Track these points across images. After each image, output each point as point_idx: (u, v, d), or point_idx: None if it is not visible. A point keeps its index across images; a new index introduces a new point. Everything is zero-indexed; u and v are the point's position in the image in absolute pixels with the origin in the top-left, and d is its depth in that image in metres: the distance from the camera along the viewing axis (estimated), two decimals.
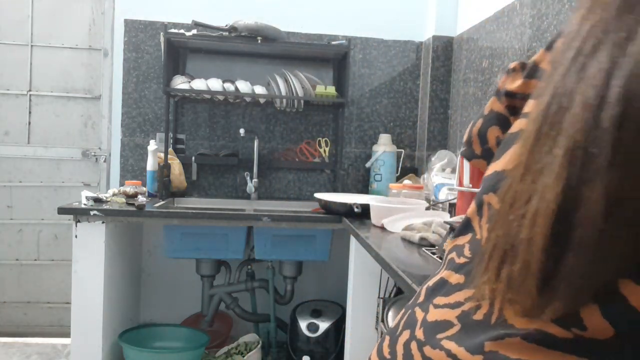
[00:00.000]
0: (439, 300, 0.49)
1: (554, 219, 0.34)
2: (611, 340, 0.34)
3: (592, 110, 0.34)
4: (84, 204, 2.12)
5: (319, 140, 2.87)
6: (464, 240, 0.52)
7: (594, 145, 0.33)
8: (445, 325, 0.46)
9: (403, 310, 0.55)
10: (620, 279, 0.34)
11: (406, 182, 2.50)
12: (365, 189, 2.88)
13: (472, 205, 0.53)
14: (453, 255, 0.53)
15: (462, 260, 0.51)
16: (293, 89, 2.60)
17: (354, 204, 2.09)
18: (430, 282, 0.53)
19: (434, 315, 0.48)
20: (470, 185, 1.25)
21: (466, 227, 0.53)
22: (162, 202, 2.39)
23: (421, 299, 0.52)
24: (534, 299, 0.37)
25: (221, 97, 2.69)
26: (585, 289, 0.34)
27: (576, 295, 0.35)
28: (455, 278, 0.50)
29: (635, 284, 0.33)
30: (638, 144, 0.31)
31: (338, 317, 2.46)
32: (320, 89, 2.62)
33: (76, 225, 2.07)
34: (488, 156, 0.76)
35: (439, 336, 0.45)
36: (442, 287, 0.50)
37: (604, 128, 0.32)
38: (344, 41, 2.61)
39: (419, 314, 0.50)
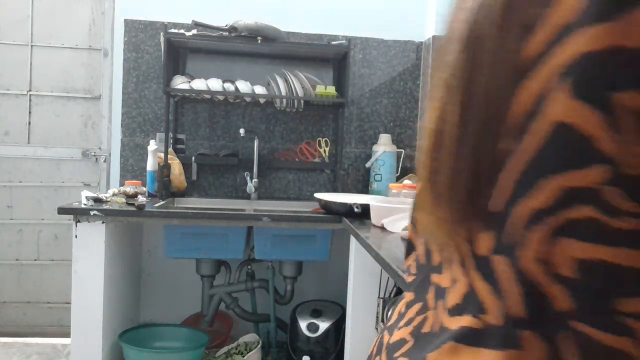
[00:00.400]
0: (402, 322, 0.49)
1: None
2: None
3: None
4: (84, 204, 2.12)
5: (319, 140, 2.87)
6: (410, 260, 0.54)
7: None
8: (401, 343, 0.46)
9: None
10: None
11: (406, 182, 2.50)
12: (365, 189, 2.88)
13: (409, 226, 0.55)
14: (405, 276, 0.54)
15: (410, 278, 0.52)
16: (293, 89, 2.60)
17: (354, 204, 2.09)
18: (401, 304, 0.54)
19: (395, 336, 0.48)
20: None
21: (409, 247, 0.54)
22: (162, 202, 2.39)
23: (391, 322, 0.52)
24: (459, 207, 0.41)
25: (221, 97, 2.69)
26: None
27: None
28: (409, 296, 0.50)
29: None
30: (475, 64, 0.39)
31: (338, 317, 2.46)
32: (320, 89, 2.62)
33: (76, 225, 2.07)
34: None
35: (396, 354, 0.45)
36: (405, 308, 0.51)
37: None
38: (344, 41, 2.61)
39: (386, 337, 0.50)
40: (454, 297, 0.41)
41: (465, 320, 0.39)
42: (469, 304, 0.39)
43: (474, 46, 0.39)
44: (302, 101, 2.69)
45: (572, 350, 0.34)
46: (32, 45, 2.83)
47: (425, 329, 0.44)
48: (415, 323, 0.46)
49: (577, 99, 0.32)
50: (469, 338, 0.38)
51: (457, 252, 0.42)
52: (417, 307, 0.47)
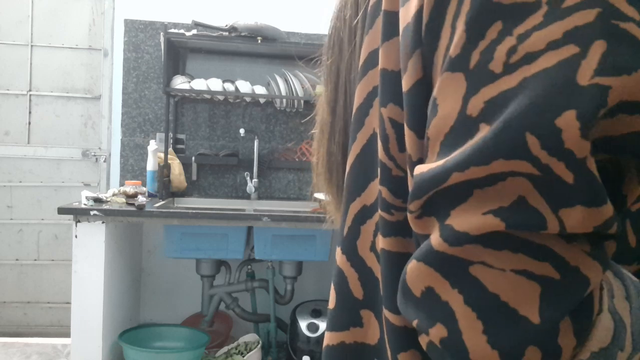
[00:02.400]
0: None
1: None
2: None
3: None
4: (84, 204, 2.12)
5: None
6: None
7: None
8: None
9: None
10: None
11: None
12: None
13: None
14: None
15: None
16: (293, 89, 2.60)
17: None
18: None
19: None
20: None
21: None
22: (162, 202, 2.39)
23: None
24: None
25: (221, 97, 2.69)
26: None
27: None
28: None
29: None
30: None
31: None
32: (320, 89, 2.62)
33: (76, 225, 2.07)
34: None
35: None
36: None
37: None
38: None
39: None
40: None
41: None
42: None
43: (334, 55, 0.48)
44: (302, 101, 2.69)
45: (385, 329, 0.38)
46: (32, 45, 2.83)
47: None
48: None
49: (380, 110, 0.38)
50: (328, 323, 0.45)
51: None
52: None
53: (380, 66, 0.37)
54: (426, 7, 0.32)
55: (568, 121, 0.26)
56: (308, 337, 2.39)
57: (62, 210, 2.05)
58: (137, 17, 2.76)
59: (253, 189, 2.72)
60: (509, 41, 0.29)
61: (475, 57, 0.30)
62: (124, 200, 2.26)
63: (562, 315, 0.27)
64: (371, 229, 0.41)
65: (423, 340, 0.31)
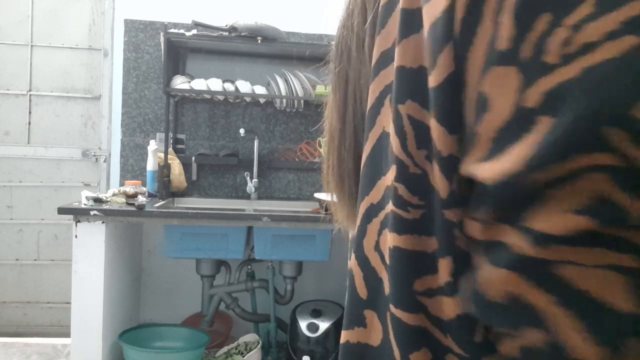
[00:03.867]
0: None
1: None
2: None
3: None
4: (84, 204, 2.12)
5: (319, 140, 2.87)
6: None
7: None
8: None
9: None
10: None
11: None
12: None
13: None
14: None
15: None
16: (293, 89, 2.60)
17: None
18: None
19: None
20: None
21: None
22: (162, 202, 2.39)
23: None
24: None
25: (221, 97, 2.69)
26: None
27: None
28: None
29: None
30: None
31: (338, 317, 2.46)
32: (320, 89, 2.62)
33: (76, 225, 2.07)
34: None
35: None
36: None
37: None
38: None
39: None
40: None
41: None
42: None
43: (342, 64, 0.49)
44: (302, 101, 2.69)
45: (392, 330, 0.38)
46: (32, 45, 2.83)
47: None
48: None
49: (390, 109, 0.38)
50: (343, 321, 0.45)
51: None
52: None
53: (396, 64, 0.37)
54: (461, 2, 0.32)
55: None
56: (308, 337, 2.39)
57: (62, 210, 2.05)
58: (137, 17, 2.76)
59: (253, 189, 2.72)
60: (561, 32, 0.29)
61: (526, 49, 0.29)
62: (124, 200, 2.26)
63: None
64: (376, 228, 0.41)
65: (510, 346, 0.31)
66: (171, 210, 2.20)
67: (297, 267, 2.59)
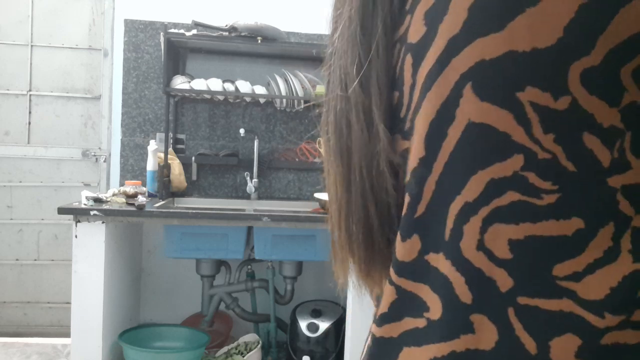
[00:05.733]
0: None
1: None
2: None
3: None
4: (84, 204, 2.12)
5: (319, 140, 2.87)
6: None
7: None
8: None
9: None
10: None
11: None
12: None
13: None
14: None
15: None
16: (293, 89, 2.60)
17: None
18: None
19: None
20: None
21: None
22: (162, 202, 2.39)
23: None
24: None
25: (221, 97, 2.69)
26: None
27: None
28: None
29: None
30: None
31: (338, 317, 2.46)
32: (320, 89, 2.62)
33: (76, 225, 2.07)
34: None
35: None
36: None
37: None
38: None
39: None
40: (381, 309, 0.45)
41: (405, 324, 0.43)
42: (404, 308, 0.43)
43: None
44: (302, 101, 2.69)
45: (521, 323, 0.37)
46: (32, 45, 2.83)
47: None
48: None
49: (485, 101, 0.37)
50: (413, 339, 0.42)
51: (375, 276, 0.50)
52: None
53: (504, 50, 0.36)
54: None
55: None
56: (308, 337, 2.39)
57: (62, 210, 2.05)
58: (137, 17, 2.76)
59: (253, 189, 2.72)
60: None
61: None
62: (124, 200, 2.26)
63: None
64: (477, 226, 0.39)
65: None
66: (171, 210, 2.20)
67: (297, 267, 2.59)
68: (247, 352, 2.42)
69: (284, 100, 2.68)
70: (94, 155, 2.88)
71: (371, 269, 0.49)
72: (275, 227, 2.21)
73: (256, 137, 2.72)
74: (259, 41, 2.51)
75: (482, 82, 0.37)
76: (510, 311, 0.38)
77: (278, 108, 2.77)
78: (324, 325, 2.41)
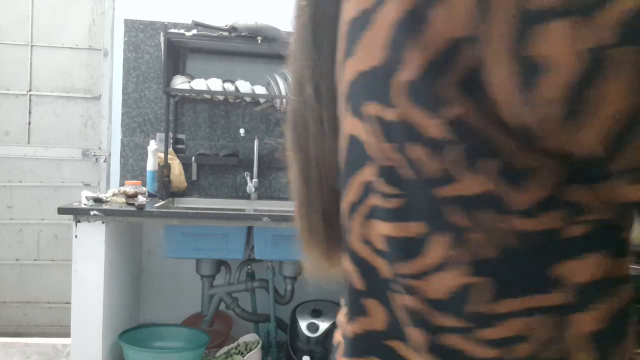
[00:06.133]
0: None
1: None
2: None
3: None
4: (84, 204, 2.12)
5: None
6: None
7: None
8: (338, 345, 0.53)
9: None
10: None
11: None
12: None
13: None
14: None
15: None
16: None
17: None
18: None
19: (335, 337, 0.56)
20: None
21: None
22: (162, 202, 2.39)
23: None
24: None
25: (221, 97, 2.69)
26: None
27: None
28: None
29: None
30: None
31: None
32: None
33: (76, 225, 2.07)
34: None
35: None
36: None
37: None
38: None
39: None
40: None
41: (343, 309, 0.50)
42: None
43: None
44: None
45: (397, 307, 0.42)
46: (32, 45, 2.83)
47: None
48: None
49: (354, 116, 0.42)
50: (339, 322, 0.50)
51: None
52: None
53: (355, 73, 0.41)
54: None
55: None
56: (308, 337, 2.39)
57: (62, 210, 2.05)
58: (137, 17, 2.76)
59: (253, 189, 2.72)
60: None
61: None
62: (124, 200, 2.26)
63: None
64: (359, 222, 0.44)
65: None
66: (171, 210, 2.20)
67: (297, 267, 2.59)
68: (247, 352, 2.42)
69: (284, 100, 2.68)
70: (94, 155, 2.88)
71: (331, 253, 0.53)
72: (275, 227, 2.21)
73: (256, 137, 2.72)
74: (259, 41, 2.51)
75: (350, 99, 0.42)
76: (390, 295, 0.42)
77: (278, 108, 2.77)
78: (324, 325, 2.41)
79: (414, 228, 0.38)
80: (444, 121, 0.35)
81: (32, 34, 2.83)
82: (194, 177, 2.76)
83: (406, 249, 0.39)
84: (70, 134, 2.89)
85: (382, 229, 0.41)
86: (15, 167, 2.86)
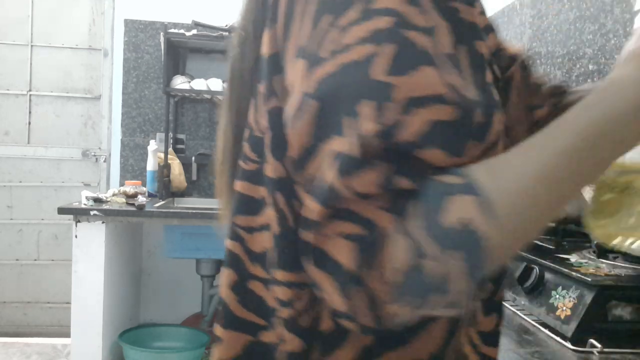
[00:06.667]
0: None
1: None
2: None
3: None
4: (84, 204, 2.12)
5: None
6: None
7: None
8: None
9: None
10: None
11: None
12: None
13: None
14: None
15: None
16: None
17: None
18: None
19: None
20: None
21: None
22: (162, 202, 2.39)
23: None
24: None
25: (221, 97, 2.69)
26: None
27: None
28: None
29: None
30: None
31: None
32: None
33: (76, 225, 2.07)
34: None
35: None
36: None
37: None
38: None
39: None
40: None
41: None
42: None
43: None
44: None
45: (226, 248, 0.50)
46: (32, 45, 2.83)
47: None
48: None
49: (251, 88, 0.49)
50: None
51: None
52: None
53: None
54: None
55: (363, 108, 0.34)
56: None
57: (62, 210, 2.05)
58: (137, 17, 2.76)
59: None
60: (336, 32, 0.37)
61: (313, 44, 0.38)
62: (124, 200, 2.26)
63: None
64: (226, 180, 0.57)
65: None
66: (171, 210, 2.20)
67: None
68: None
69: None
70: (94, 155, 2.88)
71: None
72: None
73: None
74: None
75: (255, 72, 0.49)
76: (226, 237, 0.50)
77: None
78: None
79: (261, 192, 0.46)
80: (266, 109, 0.44)
81: (32, 34, 2.83)
82: (194, 177, 2.76)
83: (248, 206, 0.47)
84: (70, 134, 2.89)
85: (237, 186, 0.49)
86: (15, 167, 2.86)
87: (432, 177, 0.36)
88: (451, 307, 0.36)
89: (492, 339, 0.52)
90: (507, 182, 0.36)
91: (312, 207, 0.35)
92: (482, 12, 0.49)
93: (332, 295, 0.36)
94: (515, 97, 0.67)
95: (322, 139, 0.36)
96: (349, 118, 0.35)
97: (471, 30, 0.42)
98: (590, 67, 1.43)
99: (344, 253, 0.35)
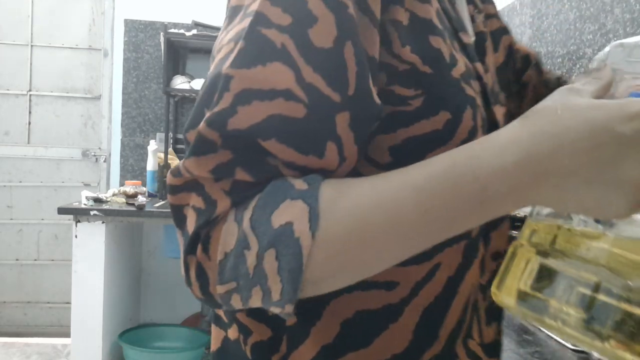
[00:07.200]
0: None
1: None
2: None
3: None
4: (84, 204, 2.12)
5: None
6: None
7: None
8: None
9: None
10: None
11: None
12: None
13: None
14: None
15: None
16: None
17: None
18: None
19: None
20: None
21: None
22: (162, 202, 2.39)
23: None
24: None
25: None
26: None
27: None
28: None
29: None
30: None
31: None
32: None
33: (76, 225, 2.07)
34: None
35: None
36: None
37: None
38: None
39: None
40: None
41: None
42: None
43: None
44: None
45: None
46: (32, 45, 2.83)
47: None
48: None
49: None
50: None
51: None
52: None
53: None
54: None
55: (218, 101, 0.37)
56: None
57: (62, 210, 2.05)
58: (137, 17, 2.76)
59: None
60: (223, 34, 0.41)
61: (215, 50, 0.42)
62: (124, 200, 2.26)
63: None
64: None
65: None
66: None
67: None
68: None
69: None
70: (94, 155, 2.88)
71: None
72: None
73: None
74: None
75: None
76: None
77: None
78: None
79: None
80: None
81: (32, 34, 2.83)
82: None
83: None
84: (70, 134, 2.89)
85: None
86: (15, 167, 2.86)
87: (283, 175, 0.38)
88: (275, 307, 0.37)
89: (493, 350, 0.52)
90: (347, 201, 0.37)
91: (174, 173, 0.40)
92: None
93: (182, 254, 0.39)
94: (531, 92, 0.69)
95: (196, 127, 0.39)
96: (207, 108, 0.38)
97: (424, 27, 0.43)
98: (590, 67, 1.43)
99: (190, 220, 0.38)
